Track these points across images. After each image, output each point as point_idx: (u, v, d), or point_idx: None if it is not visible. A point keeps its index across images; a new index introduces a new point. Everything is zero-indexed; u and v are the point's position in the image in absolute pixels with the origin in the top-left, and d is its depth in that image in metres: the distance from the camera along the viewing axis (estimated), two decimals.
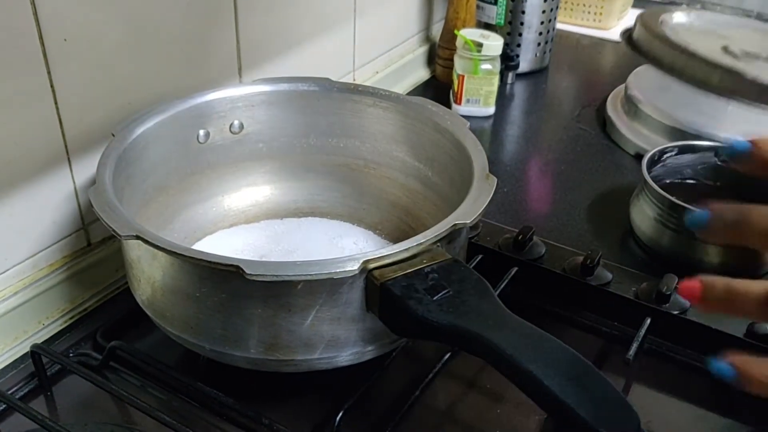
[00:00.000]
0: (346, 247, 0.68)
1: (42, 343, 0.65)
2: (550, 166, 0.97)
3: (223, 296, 0.50)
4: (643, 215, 0.79)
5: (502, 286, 0.66)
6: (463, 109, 1.03)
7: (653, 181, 0.77)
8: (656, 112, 0.98)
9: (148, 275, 0.53)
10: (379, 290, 0.48)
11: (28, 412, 0.53)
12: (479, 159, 0.59)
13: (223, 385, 0.56)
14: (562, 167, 0.96)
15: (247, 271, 0.45)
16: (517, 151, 1.01)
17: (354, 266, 0.47)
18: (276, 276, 0.46)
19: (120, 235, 0.49)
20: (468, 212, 0.53)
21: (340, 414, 0.53)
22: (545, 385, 0.40)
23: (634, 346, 0.60)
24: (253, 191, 0.72)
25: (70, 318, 0.68)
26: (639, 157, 0.96)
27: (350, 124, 0.71)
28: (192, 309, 0.52)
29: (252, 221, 0.71)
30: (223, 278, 0.48)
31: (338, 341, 0.51)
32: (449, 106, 1.04)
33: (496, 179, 0.57)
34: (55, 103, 0.62)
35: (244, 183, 0.72)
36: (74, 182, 0.66)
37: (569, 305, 0.70)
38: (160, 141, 0.64)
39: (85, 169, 0.66)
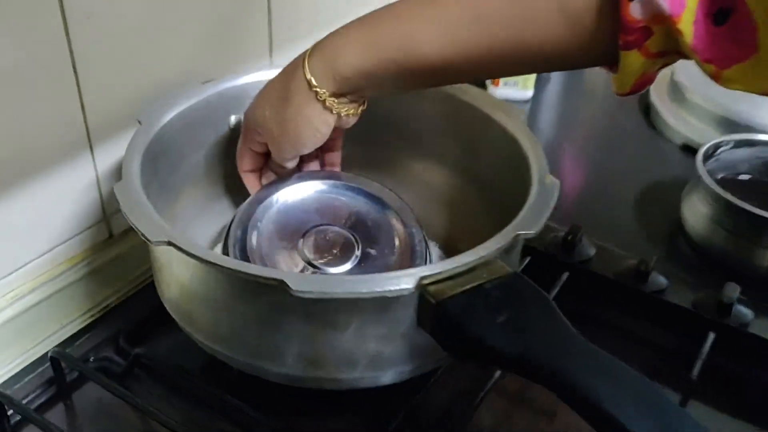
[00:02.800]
0: None
1: (62, 343, 0.61)
2: (592, 156, 0.92)
3: (262, 309, 0.45)
4: (697, 214, 0.74)
5: (554, 293, 0.61)
6: (500, 91, 0.98)
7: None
8: (705, 100, 0.92)
9: (179, 281, 0.49)
10: (434, 308, 0.43)
11: (45, 426, 0.49)
12: (537, 157, 0.55)
13: (254, 398, 0.52)
14: (605, 157, 0.91)
15: (293, 288, 0.41)
16: (555, 138, 0.95)
17: (409, 284, 0.42)
18: (323, 293, 0.41)
19: (150, 241, 0.44)
20: (530, 220, 0.48)
21: None
22: None
23: (698, 364, 0.56)
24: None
25: (91, 316, 0.64)
26: (686, 148, 0.91)
27: (389, 110, 0.66)
28: (225, 319, 0.48)
29: None
30: (263, 291, 0.44)
31: (384, 359, 0.47)
32: (485, 89, 0.98)
33: (558, 182, 0.52)
34: (77, 84, 0.57)
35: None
36: (96, 171, 0.62)
37: (622, 313, 0.65)
38: (190, 129, 0.59)
39: (108, 156, 0.62)
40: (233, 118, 0.63)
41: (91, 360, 0.59)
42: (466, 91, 0.63)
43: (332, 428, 0.53)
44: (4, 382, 0.57)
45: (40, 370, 0.58)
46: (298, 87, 0.52)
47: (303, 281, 0.41)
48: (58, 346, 0.60)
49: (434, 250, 0.64)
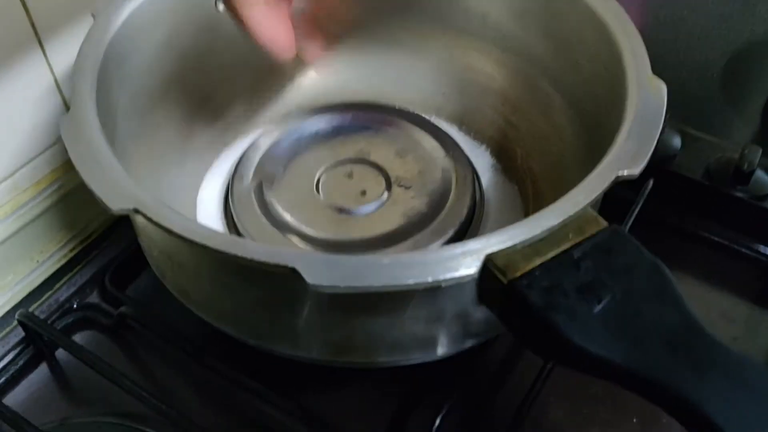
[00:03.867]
0: None
1: (40, 285, 0.51)
2: (663, 7, 0.75)
3: (271, 294, 0.34)
4: None
5: (637, 210, 0.49)
6: None
7: None
8: None
9: (163, 249, 0.37)
10: (504, 290, 0.31)
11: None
12: (632, 47, 0.40)
13: (269, 369, 0.42)
14: (683, 11, 0.74)
15: (310, 281, 0.29)
16: None
17: (471, 268, 0.30)
18: (353, 287, 0.29)
19: (111, 209, 0.32)
20: (631, 151, 0.35)
21: (439, 418, 0.40)
22: None
23: None
24: (299, 76, 0.54)
25: (71, 250, 0.53)
26: None
27: None
28: (227, 300, 0.36)
29: (296, 115, 0.53)
30: (270, 275, 0.32)
31: (435, 340, 0.36)
32: None
33: (665, 86, 0.38)
34: None
35: (286, 65, 0.53)
36: (52, 70, 0.49)
37: (719, 223, 0.53)
38: (162, 18, 0.45)
39: (65, 52, 0.48)
40: (221, 5, 0.48)
41: (74, 308, 0.49)
42: None
43: (358, 405, 0.43)
44: None
45: (14, 323, 0.48)
46: None
47: (323, 268, 0.29)
48: (35, 290, 0.51)
49: (483, 157, 0.52)
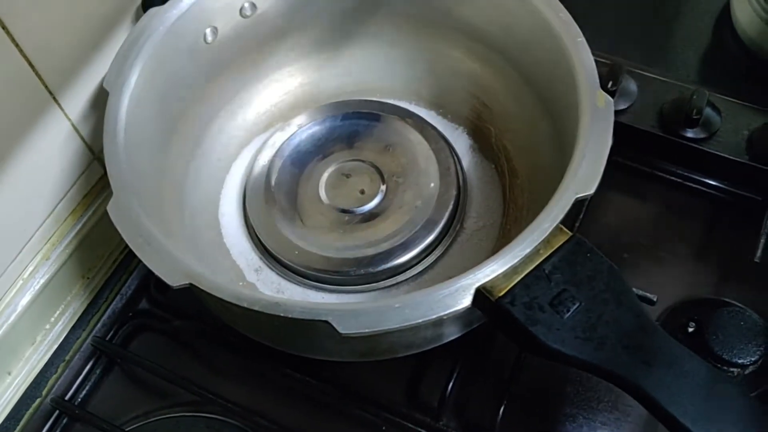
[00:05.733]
0: None
1: (95, 298, 0.59)
2: None
3: (310, 333, 0.42)
4: (750, 16, 0.65)
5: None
6: None
7: None
8: None
9: (216, 304, 0.45)
10: (493, 307, 0.40)
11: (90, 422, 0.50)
12: (581, 61, 0.46)
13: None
14: None
15: (341, 331, 0.37)
16: None
17: (466, 301, 0.38)
18: (375, 330, 0.37)
19: (171, 285, 0.39)
20: (585, 176, 0.41)
21: (451, 383, 0.49)
22: None
23: (761, 242, 0.53)
24: (283, 79, 0.59)
25: (113, 263, 0.60)
26: None
27: None
28: (264, 329, 0.45)
29: (289, 118, 0.59)
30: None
31: (443, 335, 0.45)
32: None
33: (611, 101, 0.44)
34: (13, 41, 0.47)
35: (269, 71, 0.59)
36: (69, 118, 0.54)
37: (673, 163, 0.61)
38: (162, 68, 0.50)
39: (76, 99, 0.53)
40: (208, 31, 0.53)
41: (129, 315, 0.57)
42: None
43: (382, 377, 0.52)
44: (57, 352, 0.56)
45: (81, 338, 0.57)
46: None
47: (350, 319, 0.37)
48: (89, 308, 0.59)
49: (461, 140, 0.58)
